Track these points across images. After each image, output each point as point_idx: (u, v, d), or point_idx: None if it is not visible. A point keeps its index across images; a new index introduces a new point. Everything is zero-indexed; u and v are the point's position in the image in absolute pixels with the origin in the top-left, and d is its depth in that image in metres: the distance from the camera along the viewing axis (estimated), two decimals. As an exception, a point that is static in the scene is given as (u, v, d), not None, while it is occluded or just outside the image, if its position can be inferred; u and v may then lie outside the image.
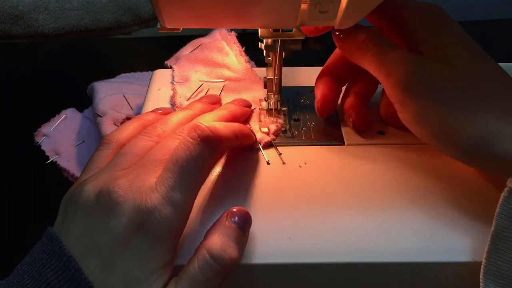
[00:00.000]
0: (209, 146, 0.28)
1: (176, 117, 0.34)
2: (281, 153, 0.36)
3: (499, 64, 0.32)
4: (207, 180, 0.34)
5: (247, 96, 0.41)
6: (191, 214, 0.28)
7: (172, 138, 0.30)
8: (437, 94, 0.30)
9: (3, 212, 0.42)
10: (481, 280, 0.27)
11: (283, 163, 0.35)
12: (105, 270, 0.25)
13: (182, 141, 0.28)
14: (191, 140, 0.28)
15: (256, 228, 0.30)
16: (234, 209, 0.29)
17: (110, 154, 0.31)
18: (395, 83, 0.31)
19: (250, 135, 0.35)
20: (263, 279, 0.30)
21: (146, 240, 0.26)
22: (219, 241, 0.27)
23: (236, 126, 0.33)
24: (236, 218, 0.28)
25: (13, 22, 0.68)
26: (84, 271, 0.25)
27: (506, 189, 0.27)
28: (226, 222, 0.28)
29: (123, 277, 0.25)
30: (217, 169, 0.35)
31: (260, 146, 0.36)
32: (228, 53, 0.46)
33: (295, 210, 0.32)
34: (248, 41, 0.48)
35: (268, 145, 0.37)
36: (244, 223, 0.28)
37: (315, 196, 0.33)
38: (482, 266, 0.27)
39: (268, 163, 0.35)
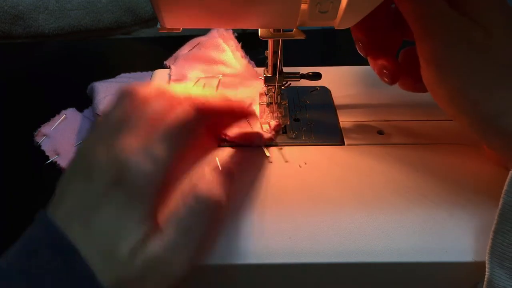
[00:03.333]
0: (198, 112, 0.28)
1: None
2: (281, 148, 0.36)
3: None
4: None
5: (245, 91, 0.41)
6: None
7: (155, 101, 0.29)
8: (465, 62, 0.29)
9: (3, 212, 0.42)
10: (486, 262, 0.27)
11: (286, 161, 0.35)
12: (85, 227, 0.26)
13: (172, 106, 0.28)
14: (179, 105, 0.28)
15: (256, 228, 0.30)
16: (217, 158, 0.30)
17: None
18: (428, 40, 0.30)
19: (250, 113, 0.34)
20: (263, 279, 0.30)
21: (124, 194, 0.26)
22: (204, 185, 0.28)
23: (232, 101, 0.32)
24: (221, 167, 0.29)
25: (13, 22, 0.68)
26: (67, 233, 0.25)
27: None
28: (210, 170, 0.29)
29: (102, 231, 0.26)
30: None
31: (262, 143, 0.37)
32: (224, 49, 0.47)
33: (295, 210, 0.32)
34: (248, 41, 0.48)
35: (269, 144, 0.37)
36: (228, 169, 0.30)
37: (315, 196, 0.33)
38: (487, 247, 0.27)
39: (270, 161, 0.35)
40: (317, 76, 0.39)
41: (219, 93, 0.32)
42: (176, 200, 0.27)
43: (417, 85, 0.33)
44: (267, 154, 0.36)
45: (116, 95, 0.31)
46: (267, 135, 0.37)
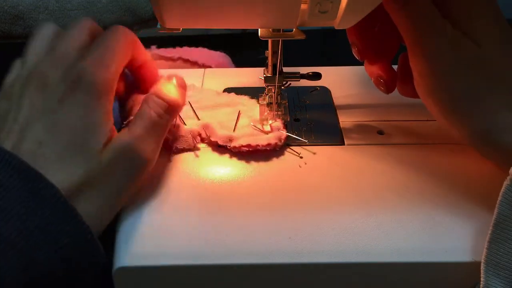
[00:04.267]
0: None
1: None
2: (301, 156, 0.36)
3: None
4: (207, 180, 0.34)
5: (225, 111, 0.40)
6: (190, 214, 0.28)
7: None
8: (456, 76, 0.29)
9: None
10: (481, 271, 0.27)
11: (303, 164, 0.35)
12: (50, 131, 0.28)
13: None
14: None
15: (256, 228, 0.30)
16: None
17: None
18: (419, 54, 0.30)
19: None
20: (263, 279, 0.30)
21: (84, 94, 0.29)
22: (162, 86, 0.33)
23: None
24: (175, 76, 0.35)
25: (13, 22, 0.68)
26: (23, 147, 0.27)
27: (508, 177, 0.26)
28: (166, 78, 0.35)
29: (68, 132, 0.28)
30: (217, 169, 0.35)
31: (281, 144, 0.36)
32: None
33: (295, 210, 0.32)
34: (248, 41, 0.48)
35: (284, 145, 0.37)
36: (181, 78, 0.35)
37: (315, 196, 0.33)
38: (482, 256, 0.27)
39: (305, 163, 0.35)
40: (317, 76, 0.39)
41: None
42: (141, 104, 0.32)
43: (415, 91, 0.33)
44: (298, 154, 0.36)
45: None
46: (283, 134, 0.37)
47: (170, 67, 0.47)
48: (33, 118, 0.28)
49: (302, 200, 0.32)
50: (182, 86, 0.35)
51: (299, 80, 0.39)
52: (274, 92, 0.39)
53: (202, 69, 0.46)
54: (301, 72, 0.39)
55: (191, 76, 0.44)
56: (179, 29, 0.32)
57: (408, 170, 0.34)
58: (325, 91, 0.44)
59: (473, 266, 0.29)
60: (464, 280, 0.30)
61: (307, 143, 0.37)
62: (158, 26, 0.31)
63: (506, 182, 0.26)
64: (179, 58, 0.52)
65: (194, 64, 0.53)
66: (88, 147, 0.28)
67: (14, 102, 0.30)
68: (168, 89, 0.33)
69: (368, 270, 0.29)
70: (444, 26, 0.29)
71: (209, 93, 0.42)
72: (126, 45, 0.33)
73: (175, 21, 0.30)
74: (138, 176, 0.30)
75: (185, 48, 0.54)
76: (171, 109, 0.32)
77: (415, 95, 0.33)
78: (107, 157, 0.29)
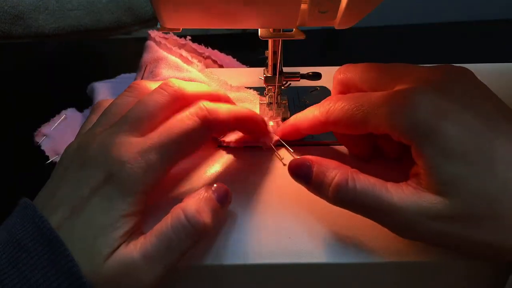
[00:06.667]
0: (204, 125, 0.29)
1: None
2: (293, 151, 0.36)
3: (499, 63, 0.32)
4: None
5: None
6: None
7: (155, 93, 0.30)
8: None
9: (3, 212, 0.42)
10: None
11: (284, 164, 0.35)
12: (72, 217, 0.26)
13: (180, 113, 0.29)
14: (188, 114, 0.29)
15: (256, 228, 0.30)
16: (215, 185, 0.30)
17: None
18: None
19: (259, 121, 0.34)
20: (263, 279, 0.30)
21: (113, 189, 0.26)
22: (195, 205, 0.28)
23: (240, 111, 0.32)
24: (216, 193, 0.29)
25: (13, 22, 0.68)
26: (52, 222, 0.26)
27: None
28: (205, 193, 0.29)
29: (88, 222, 0.26)
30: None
31: (272, 145, 0.36)
32: (187, 69, 0.43)
33: (295, 210, 0.32)
34: (248, 41, 0.48)
35: (277, 144, 0.37)
36: (223, 198, 0.29)
37: (315, 196, 0.33)
38: None
39: (284, 164, 0.36)
40: (317, 76, 0.39)
41: (235, 107, 0.32)
42: (166, 214, 0.28)
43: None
44: (279, 156, 0.36)
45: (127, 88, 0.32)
46: (275, 136, 0.37)
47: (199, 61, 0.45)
48: (63, 203, 0.27)
49: (302, 200, 0.32)
50: (224, 200, 0.30)
51: (299, 80, 0.39)
52: (274, 92, 0.39)
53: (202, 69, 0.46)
54: (301, 72, 0.39)
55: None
56: (179, 29, 0.32)
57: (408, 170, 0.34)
58: (325, 91, 0.44)
59: (473, 266, 0.29)
60: (464, 280, 0.30)
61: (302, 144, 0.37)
62: (158, 26, 0.31)
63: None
64: (208, 57, 0.53)
65: (220, 67, 0.54)
66: (94, 249, 0.26)
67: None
68: (201, 207, 0.28)
69: (368, 270, 0.29)
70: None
71: (221, 85, 0.42)
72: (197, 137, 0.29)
73: (175, 21, 0.30)
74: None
75: (216, 51, 0.55)
76: (196, 234, 0.27)
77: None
78: (110, 267, 0.25)
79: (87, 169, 0.27)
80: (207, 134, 0.30)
